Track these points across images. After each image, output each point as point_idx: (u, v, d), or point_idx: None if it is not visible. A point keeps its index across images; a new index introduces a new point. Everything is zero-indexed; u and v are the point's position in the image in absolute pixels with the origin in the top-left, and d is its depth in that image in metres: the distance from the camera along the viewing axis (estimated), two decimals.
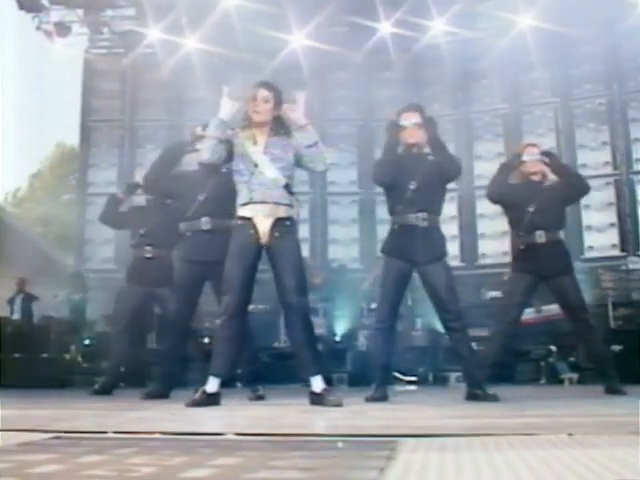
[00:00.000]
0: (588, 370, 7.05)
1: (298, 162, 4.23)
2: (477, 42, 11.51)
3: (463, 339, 4.42)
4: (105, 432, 2.49)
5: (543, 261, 4.88)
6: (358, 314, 8.60)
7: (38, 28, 10.88)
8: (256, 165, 4.12)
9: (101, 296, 9.79)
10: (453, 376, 7.47)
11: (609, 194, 10.38)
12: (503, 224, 10.68)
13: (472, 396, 4.30)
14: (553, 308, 7.74)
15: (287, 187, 4.16)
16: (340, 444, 2.10)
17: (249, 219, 4.09)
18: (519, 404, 4.16)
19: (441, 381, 7.67)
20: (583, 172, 10.14)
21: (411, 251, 4.40)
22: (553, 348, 7.61)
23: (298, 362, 4.15)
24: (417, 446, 1.99)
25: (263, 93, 4.18)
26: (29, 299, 9.75)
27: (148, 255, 5.65)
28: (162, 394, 4.93)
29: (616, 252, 10.34)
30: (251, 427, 2.64)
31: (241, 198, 4.14)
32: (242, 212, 4.12)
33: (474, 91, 11.55)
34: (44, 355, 8.23)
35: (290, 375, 7.50)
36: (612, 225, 10.40)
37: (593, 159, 10.57)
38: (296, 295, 4.06)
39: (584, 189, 5.20)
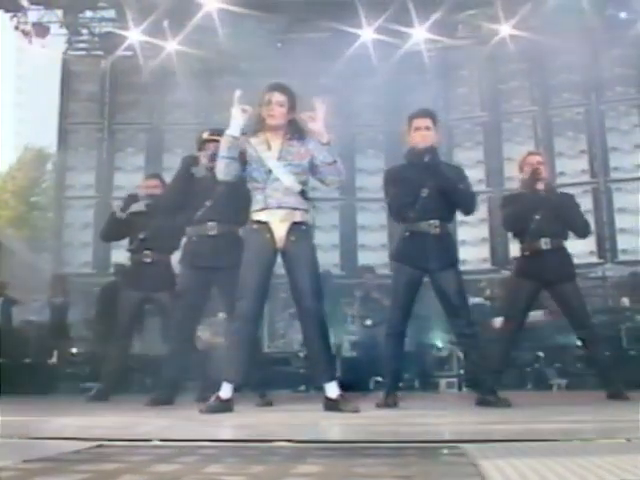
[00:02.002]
0: (576, 376, 7.16)
1: (312, 171, 4.17)
2: (457, 50, 11.64)
3: (474, 345, 4.43)
4: (150, 440, 2.44)
5: (548, 267, 4.93)
6: (343, 321, 8.56)
7: (16, 28, 10.67)
8: (270, 171, 4.07)
9: (79, 300, 9.64)
10: (444, 382, 7.46)
11: (587, 202, 10.46)
12: (483, 231, 11.02)
13: (484, 402, 4.29)
14: (538, 314, 7.84)
15: (302, 193, 4.12)
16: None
17: (265, 223, 4.04)
18: (534, 410, 4.15)
19: (429, 387, 7.64)
20: (561, 180, 10.41)
21: (423, 258, 4.40)
22: (540, 354, 7.66)
23: (312, 367, 4.11)
24: (486, 452, 1.97)
25: (278, 97, 4.13)
26: (9, 303, 9.51)
27: (147, 259, 5.55)
28: (167, 401, 4.86)
29: (594, 259, 10.49)
30: (296, 434, 2.60)
31: (256, 204, 4.09)
32: (258, 217, 4.07)
33: (454, 98, 11.63)
34: (25, 360, 8.05)
35: (278, 381, 7.45)
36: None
37: (571, 167, 10.72)
38: (312, 299, 4.03)
39: (582, 230, 5.25)
